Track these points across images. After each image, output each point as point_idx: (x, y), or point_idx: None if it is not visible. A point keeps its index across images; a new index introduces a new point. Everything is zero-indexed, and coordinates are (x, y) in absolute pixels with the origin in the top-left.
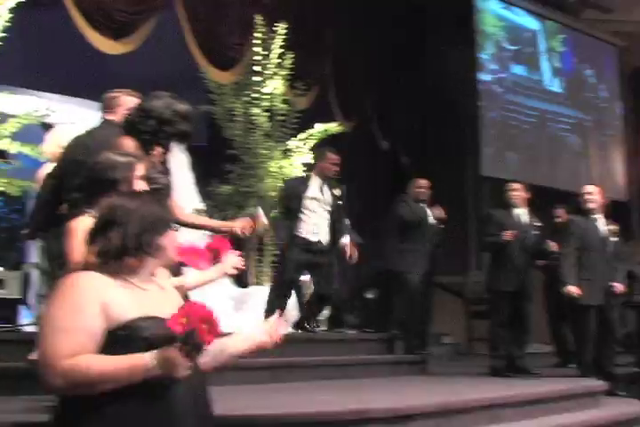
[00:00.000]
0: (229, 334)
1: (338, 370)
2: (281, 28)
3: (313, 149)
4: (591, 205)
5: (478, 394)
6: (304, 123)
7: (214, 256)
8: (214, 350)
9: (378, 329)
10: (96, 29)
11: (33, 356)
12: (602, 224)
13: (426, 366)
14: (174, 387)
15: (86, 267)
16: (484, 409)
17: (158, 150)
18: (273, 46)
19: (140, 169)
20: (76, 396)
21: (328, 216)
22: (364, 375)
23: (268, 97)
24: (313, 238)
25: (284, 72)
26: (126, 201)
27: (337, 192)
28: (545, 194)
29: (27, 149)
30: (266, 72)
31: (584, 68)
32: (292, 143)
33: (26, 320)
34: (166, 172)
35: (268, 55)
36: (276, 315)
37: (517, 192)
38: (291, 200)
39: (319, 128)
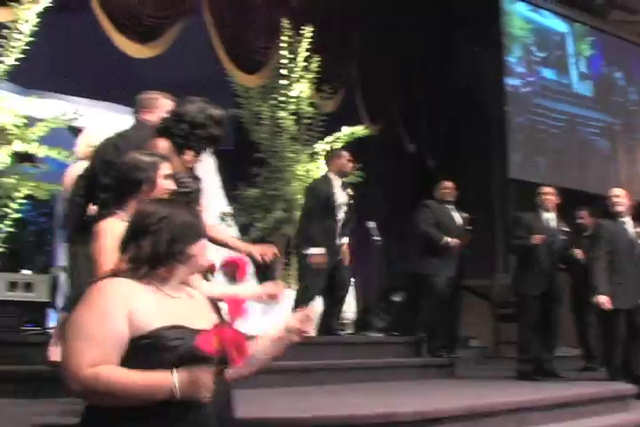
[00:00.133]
0: (256, 337)
1: (365, 373)
2: (307, 31)
3: (326, 154)
4: (619, 208)
5: (506, 398)
6: (331, 126)
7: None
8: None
9: (405, 332)
10: (123, 33)
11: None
12: (630, 227)
13: (453, 370)
14: (199, 408)
15: (116, 273)
16: (511, 413)
17: (190, 154)
18: (299, 49)
19: (166, 169)
20: (100, 407)
21: (343, 216)
22: (391, 378)
23: (295, 100)
24: (336, 240)
25: (310, 75)
26: (159, 208)
27: (349, 192)
28: (571, 197)
29: (54, 153)
30: (292, 75)
31: (613, 71)
32: (318, 146)
33: (54, 323)
34: (196, 177)
35: (294, 58)
36: (300, 310)
37: (549, 196)
38: (320, 202)
39: (346, 131)
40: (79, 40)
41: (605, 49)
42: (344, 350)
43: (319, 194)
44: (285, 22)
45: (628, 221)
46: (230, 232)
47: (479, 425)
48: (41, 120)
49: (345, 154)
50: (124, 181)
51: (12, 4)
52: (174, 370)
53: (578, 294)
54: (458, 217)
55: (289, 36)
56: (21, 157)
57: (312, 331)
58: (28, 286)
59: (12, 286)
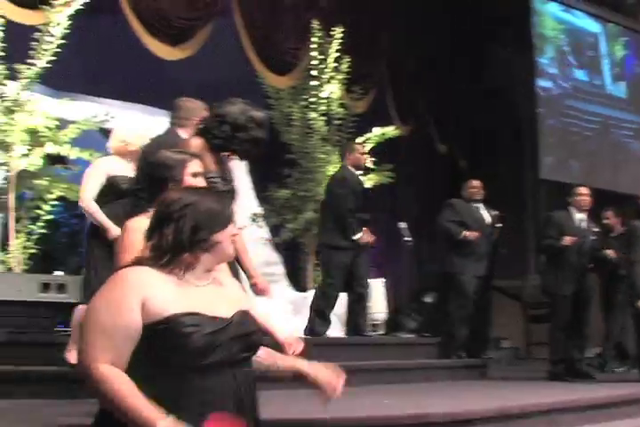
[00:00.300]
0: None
1: (396, 374)
2: (337, 32)
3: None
4: None
5: (538, 399)
6: (361, 127)
7: None
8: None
9: (436, 333)
10: (154, 36)
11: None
12: None
13: (485, 371)
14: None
15: (139, 261)
16: (543, 414)
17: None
18: (330, 50)
19: (195, 166)
20: (109, 412)
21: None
22: (422, 380)
23: (326, 101)
24: (356, 236)
25: (340, 76)
26: (184, 195)
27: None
28: (599, 198)
29: (86, 155)
30: (323, 76)
31: None
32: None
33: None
34: (227, 178)
35: (324, 59)
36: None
37: (585, 197)
38: (348, 197)
39: (376, 132)
40: (110, 42)
41: (639, 49)
42: (375, 351)
43: (348, 185)
44: (315, 23)
45: None
46: (261, 234)
47: None
48: (73, 122)
49: (359, 147)
50: (151, 180)
51: (44, 7)
52: (166, 417)
53: (607, 293)
54: (486, 215)
55: (319, 37)
56: (53, 159)
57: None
58: (60, 288)
59: (45, 287)
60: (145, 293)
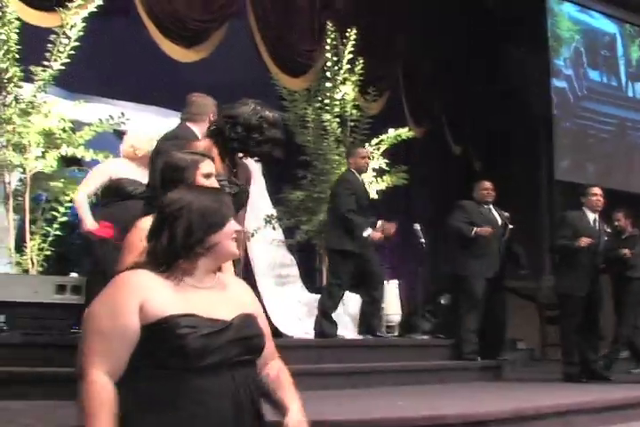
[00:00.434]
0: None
1: (411, 376)
2: (352, 33)
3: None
4: None
5: (553, 400)
6: (376, 128)
7: None
8: None
9: (451, 335)
10: (169, 38)
11: None
12: None
13: (500, 372)
14: (217, 411)
15: (138, 265)
16: (558, 416)
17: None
18: (344, 52)
19: (208, 167)
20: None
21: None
22: (437, 381)
23: (340, 103)
24: (365, 233)
25: (355, 78)
26: (178, 197)
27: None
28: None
29: (101, 157)
30: (337, 78)
31: None
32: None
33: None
34: (234, 181)
35: (339, 61)
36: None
37: (598, 197)
38: (349, 197)
39: (391, 134)
40: (125, 44)
41: None
42: (390, 353)
43: (349, 186)
44: (330, 25)
45: None
46: (275, 235)
47: None
48: (88, 124)
49: (361, 151)
50: (163, 181)
51: (60, 9)
52: None
53: (617, 294)
54: (497, 217)
55: (333, 39)
56: (68, 161)
57: None
58: (76, 289)
59: (61, 289)
60: (143, 295)
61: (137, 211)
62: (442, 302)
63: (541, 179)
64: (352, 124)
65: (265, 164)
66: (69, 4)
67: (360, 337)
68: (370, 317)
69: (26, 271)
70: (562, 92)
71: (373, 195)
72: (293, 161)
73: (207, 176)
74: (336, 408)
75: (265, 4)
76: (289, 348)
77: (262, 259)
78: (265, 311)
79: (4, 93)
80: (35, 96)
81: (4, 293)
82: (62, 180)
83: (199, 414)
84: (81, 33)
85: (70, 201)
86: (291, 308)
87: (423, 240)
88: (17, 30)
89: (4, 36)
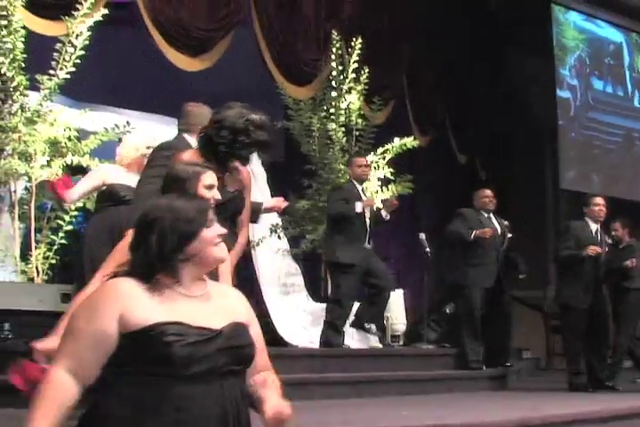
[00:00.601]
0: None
1: (416, 385)
2: (357, 42)
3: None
4: None
5: (559, 410)
6: (381, 138)
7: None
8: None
9: (456, 344)
10: (174, 47)
11: None
12: None
13: (505, 382)
14: (200, 416)
15: (122, 273)
16: (564, 425)
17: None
18: (350, 61)
19: (209, 179)
20: (97, 412)
21: (369, 221)
22: (442, 390)
23: (345, 112)
24: (365, 244)
25: (360, 87)
26: (154, 207)
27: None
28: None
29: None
30: (342, 87)
31: None
32: (369, 158)
33: None
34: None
35: (344, 70)
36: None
37: (600, 207)
38: (338, 202)
39: (396, 143)
40: (130, 53)
41: None
42: (395, 362)
43: (341, 193)
44: (335, 34)
45: None
46: (280, 244)
47: None
48: (93, 133)
49: (357, 160)
50: (164, 192)
51: (66, 18)
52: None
53: (615, 304)
54: (497, 225)
55: (338, 48)
56: (74, 170)
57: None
58: None
59: (66, 297)
60: (124, 303)
61: (131, 215)
62: (447, 311)
63: (547, 187)
64: (357, 133)
65: (246, 164)
66: (75, 13)
67: (363, 344)
68: (378, 307)
69: (31, 280)
70: (567, 103)
71: (378, 204)
72: (299, 170)
73: (209, 187)
74: (341, 417)
75: (270, 12)
76: (294, 357)
77: (267, 268)
78: (270, 320)
79: (9, 102)
80: (40, 105)
81: (10, 301)
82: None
83: (183, 421)
84: (87, 42)
85: (76, 210)
86: (296, 317)
87: (428, 249)
88: (23, 39)
89: (10, 45)
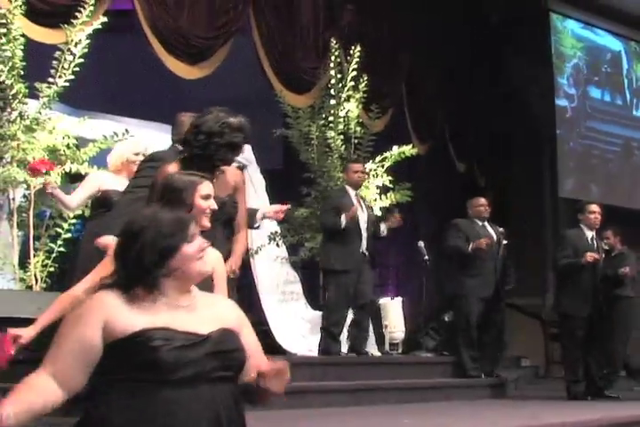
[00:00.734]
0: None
1: (414, 393)
2: (356, 51)
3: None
4: None
5: (558, 418)
6: (380, 146)
7: None
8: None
9: (455, 352)
10: (173, 54)
11: None
12: None
13: (504, 390)
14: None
15: (106, 285)
16: None
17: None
18: (349, 69)
19: (206, 189)
20: (91, 420)
21: (365, 227)
22: (441, 399)
23: (344, 120)
24: (359, 250)
25: (359, 95)
26: (139, 219)
27: (369, 204)
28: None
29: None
30: (341, 95)
31: None
32: (368, 166)
33: None
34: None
35: (343, 78)
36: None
37: (595, 215)
38: (328, 212)
39: (395, 151)
40: (129, 61)
41: None
42: (394, 370)
43: (329, 202)
44: (334, 42)
45: None
46: (279, 252)
47: None
48: (92, 141)
49: (352, 166)
50: (161, 203)
51: (64, 26)
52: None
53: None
54: (493, 233)
55: (337, 56)
56: (73, 178)
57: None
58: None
59: None
60: (109, 313)
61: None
62: (446, 319)
63: (545, 195)
64: (356, 141)
65: (222, 165)
66: (74, 21)
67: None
68: (352, 336)
69: (29, 288)
70: (565, 111)
71: (377, 212)
72: (297, 178)
73: (206, 197)
74: (340, 426)
75: (269, 21)
76: (293, 365)
77: (266, 276)
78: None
79: (8, 110)
80: (39, 112)
81: (8, 309)
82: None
83: (170, 426)
84: (86, 50)
85: (74, 218)
86: (294, 325)
87: (427, 257)
88: (22, 47)
89: (9, 53)
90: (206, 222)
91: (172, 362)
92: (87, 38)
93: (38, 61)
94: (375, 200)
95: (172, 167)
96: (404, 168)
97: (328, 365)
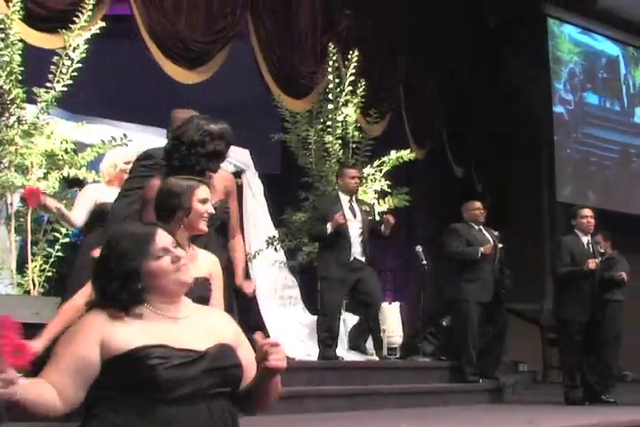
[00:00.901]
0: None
1: (412, 398)
2: (354, 55)
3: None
4: None
5: (555, 423)
6: (378, 150)
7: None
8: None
9: (453, 357)
10: (171, 59)
11: None
12: None
13: (502, 395)
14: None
15: (95, 301)
16: None
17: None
18: (347, 74)
19: (204, 193)
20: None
21: (360, 232)
22: (438, 403)
23: (342, 125)
24: (349, 257)
25: (357, 99)
26: (110, 236)
27: (365, 208)
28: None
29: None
30: (339, 100)
31: None
32: (366, 171)
33: None
34: None
35: (341, 83)
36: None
37: (589, 219)
38: (326, 221)
39: (393, 156)
40: (127, 66)
41: None
42: (392, 375)
43: (320, 209)
44: (332, 47)
45: None
46: (277, 257)
47: None
48: (90, 145)
49: (350, 172)
50: (159, 207)
51: (62, 31)
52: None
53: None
54: (489, 237)
55: (335, 61)
56: (70, 183)
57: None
58: None
59: None
60: (106, 330)
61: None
62: (444, 323)
63: (543, 200)
64: (354, 145)
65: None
66: (72, 26)
67: (359, 357)
68: (357, 336)
69: (27, 293)
70: (562, 118)
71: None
72: (295, 183)
73: (203, 202)
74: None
75: (267, 25)
76: (291, 370)
77: (264, 280)
78: (266, 333)
79: (6, 115)
80: (37, 117)
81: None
82: (64, 201)
83: None
84: (83, 54)
85: None
86: (292, 329)
87: (425, 262)
88: (20, 52)
89: (7, 58)
90: (204, 226)
91: (170, 380)
92: (85, 43)
93: (36, 66)
94: (373, 205)
95: (158, 182)
96: (401, 173)
97: (326, 369)
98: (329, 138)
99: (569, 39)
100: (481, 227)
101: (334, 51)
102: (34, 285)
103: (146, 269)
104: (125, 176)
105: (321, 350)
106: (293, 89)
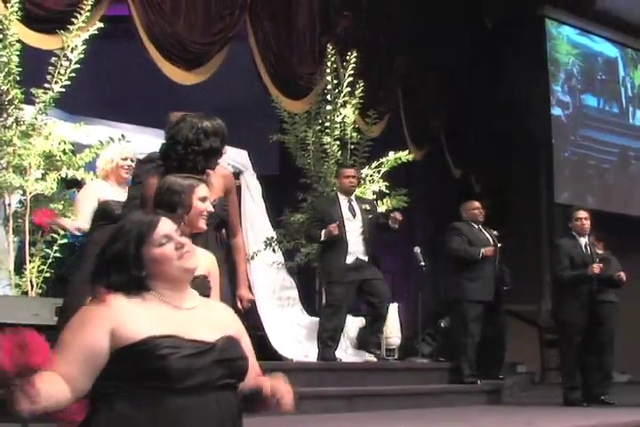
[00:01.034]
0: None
1: (410, 399)
2: (352, 56)
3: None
4: None
5: (554, 424)
6: (376, 151)
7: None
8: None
9: (451, 358)
10: (169, 60)
11: None
12: None
13: (500, 396)
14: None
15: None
16: None
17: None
18: (345, 75)
19: (203, 191)
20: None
21: (361, 231)
22: (437, 405)
23: (340, 126)
24: (350, 258)
25: (355, 100)
26: (109, 232)
27: (366, 206)
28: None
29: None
30: (337, 101)
31: None
32: (364, 172)
33: None
34: None
35: (339, 84)
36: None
37: (584, 221)
38: (324, 222)
39: (391, 157)
40: (125, 67)
41: None
42: (390, 376)
43: (317, 210)
44: (330, 48)
45: None
46: (275, 258)
47: None
48: (88, 146)
49: (345, 171)
50: (158, 205)
51: (61, 31)
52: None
53: None
54: (488, 236)
55: (333, 62)
56: (68, 183)
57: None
58: None
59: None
60: (115, 318)
61: None
62: (442, 325)
63: (541, 202)
64: (352, 146)
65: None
66: (70, 27)
67: (358, 358)
68: (367, 336)
69: (25, 293)
70: (560, 120)
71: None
72: (294, 183)
73: (203, 200)
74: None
75: (265, 27)
76: (289, 371)
77: (262, 281)
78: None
79: (4, 115)
80: (35, 118)
81: (3, 315)
82: (62, 202)
83: None
84: (82, 55)
85: None
86: (290, 330)
87: (423, 263)
88: (18, 52)
89: (5, 59)
90: (203, 224)
91: (181, 370)
92: (83, 44)
93: (34, 67)
94: (374, 200)
95: (155, 180)
96: (400, 174)
97: (324, 370)
98: (327, 139)
99: (567, 41)
100: (480, 226)
101: (332, 52)
102: (32, 286)
103: (149, 255)
104: (123, 172)
105: (320, 350)
106: (292, 90)
